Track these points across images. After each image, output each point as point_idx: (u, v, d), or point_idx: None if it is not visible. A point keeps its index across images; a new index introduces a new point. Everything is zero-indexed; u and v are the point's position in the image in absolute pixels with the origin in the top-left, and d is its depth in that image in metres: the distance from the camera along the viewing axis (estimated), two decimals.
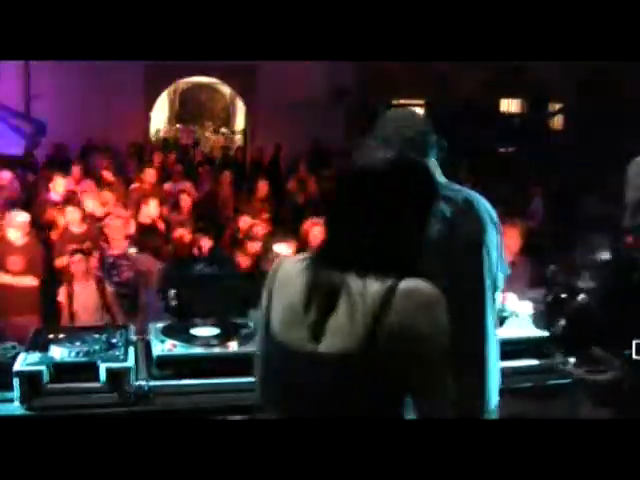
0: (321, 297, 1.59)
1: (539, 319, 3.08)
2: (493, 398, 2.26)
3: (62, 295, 5.43)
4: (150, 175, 8.80)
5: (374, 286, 1.54)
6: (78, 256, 5.44)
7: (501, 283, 2.32)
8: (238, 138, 18.30)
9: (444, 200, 2.19)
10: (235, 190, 9.24)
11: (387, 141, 2.35)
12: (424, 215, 1.68)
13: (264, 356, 1.78)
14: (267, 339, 1.71)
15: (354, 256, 1.58)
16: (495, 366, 2.27)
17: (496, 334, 2.28)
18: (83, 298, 5.39)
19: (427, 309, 1.54)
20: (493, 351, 2.26)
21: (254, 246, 5.95)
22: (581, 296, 3.12)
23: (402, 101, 15.25)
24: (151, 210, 7.19)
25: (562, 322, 3.03)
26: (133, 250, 6.11)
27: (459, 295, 2.03)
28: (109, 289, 5.48)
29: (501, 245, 2.29)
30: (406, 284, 1.54)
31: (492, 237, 2.25)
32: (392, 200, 1.58)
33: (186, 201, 7.65)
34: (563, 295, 3.13)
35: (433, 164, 2.36)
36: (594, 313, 3.05)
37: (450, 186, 2.29)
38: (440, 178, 2.32)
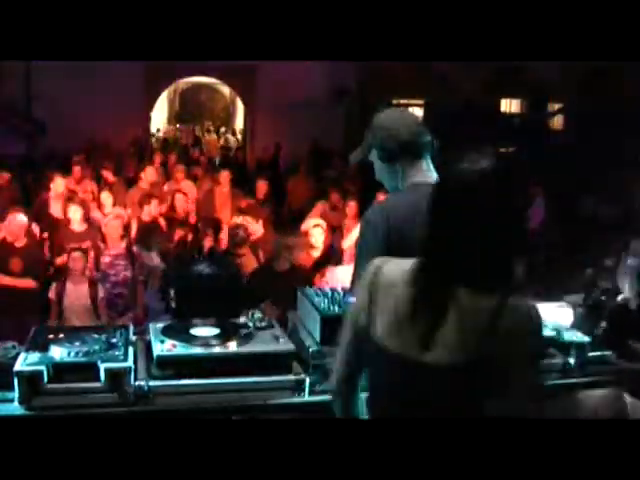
0: (430, 309, 1.62)
1: (581, 322, 3.11)
2: None
3: (52, 292, 5.43)
4: (150, 174, 8.80)
5: (484, 301, 1.58)
6: (77, 253, 5.44)
7: None
8: (238, 138, 18.30)
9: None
10: (235, 190, 9.24)
11: (382, 145, 2.38)
12: (525, 228, 1.73)
13: (359, 353, 1.80)
14: (369, 341, 1.73)
15: (464, 270, 1.61)
16: None
17: None
18: (73, 298, 5.38)
19: (534, 327, 1.62)
20: None
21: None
22: (620, 297, 3.16)
23: (402, 101, 15.26)
24: (152, 209, 7.20)
25: (603, 324, 3.06)
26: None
27: None
28: (101, 294, 5.46)
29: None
30: (515, 301, 1.59)
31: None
32: (502, 213, 1.61)
33: (181, 201, 7.61)
34: (603, 297, 3.16)
35: (427, 164, 2.38)
36: (634, 312, 3.11)
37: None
38: (434, 177, 2.35)
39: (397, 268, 1.73)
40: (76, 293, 5.38)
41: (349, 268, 4.77)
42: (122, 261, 5.90)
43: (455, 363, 1.59)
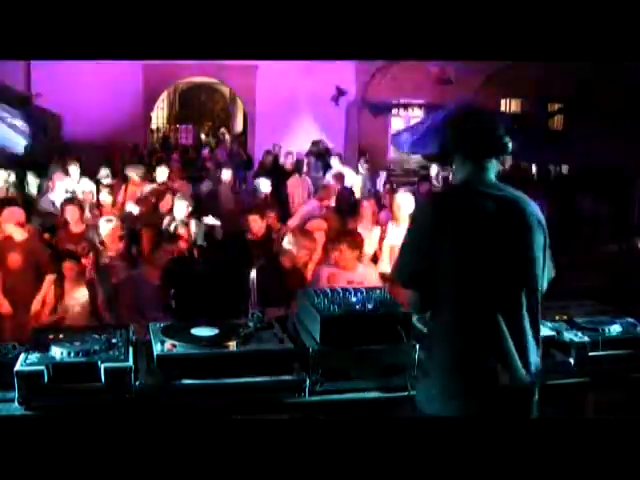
0: None
1: None
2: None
3: (50, 293, 5.34)
4: (162, 173, 8.87)
5: None
6: (68, 263, 5.32)
7: (544, 283, 2.40)
8: (238, 138, 18.30)
9: (492, 199, 2.28)
10: (235, 190, 9.24)
11: (458, 144, 2.38)
12: None
13: None
14: None
15: None
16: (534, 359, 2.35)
17: (536, 332, 2.36)
18: (71, 300, 5.29)
19: None
20: (533, 352, 2.34)
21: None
22: None
23: (402, 101, 15.26)
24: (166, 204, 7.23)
25: None
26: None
27: (501, 289, 2.21)
28: (101, 296, 5.40)
29: (547, 247, 2.38)
30: None
31: (537, 238, 2.33)
32: None
33: (168, 201, 7.48)
34: None
35: (493, 164, 2.39)
36: None
37: (499, 186, 2.36)
38: (493, 178, 2.38)
39: None
40: (73, 295, 5.31)
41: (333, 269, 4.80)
42: (121, 262, 5.88)
43: None
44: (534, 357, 2.33)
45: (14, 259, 5.56)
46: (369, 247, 5.93)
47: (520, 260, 2.30)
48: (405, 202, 5.98)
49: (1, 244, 5.67)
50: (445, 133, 2.45)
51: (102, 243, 6.04)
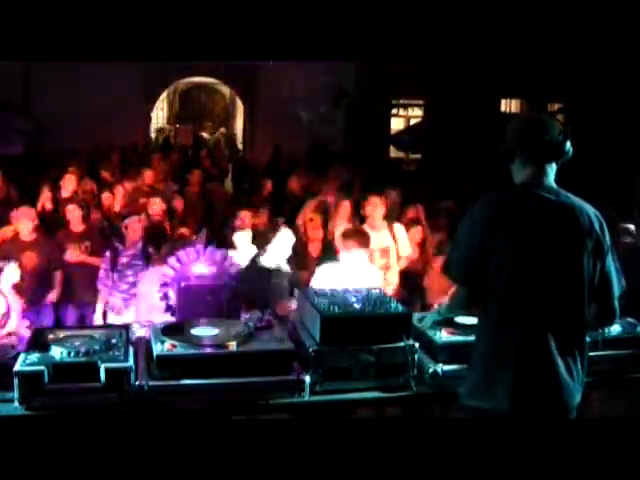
0: None
1: None
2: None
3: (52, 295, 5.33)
4: (148, 176, 8.78)
5: None
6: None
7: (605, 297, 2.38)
8: (238, 138, 18.29)
9: (549, 203, 2.30)
10: (235, 190, 9.24)
11: (520, 147, 2.38)
12: None
13: None
14: None
15: None
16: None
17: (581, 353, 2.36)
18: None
19: None
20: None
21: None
22: None
23: (402, 101, 15.27)
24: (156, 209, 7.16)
25: None
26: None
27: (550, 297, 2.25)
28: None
29: (607, 258, 2.36)
30: None
31: (588, 247, 2.32)
32: None
33: (157, 204, 7.44)
34: None
35: (552, 168, 2.40)
36: None
37: (559, 191, 2.37)
38: (552, 182, 2.39)
39: None
40: None
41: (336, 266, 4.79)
42: (139, 262, 5.87)
43: None
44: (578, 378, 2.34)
45: (28, 258, 5.58)
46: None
47: (569, 270, 2.31)
48: None
49: (14, 243, 5.69)
50: (507, 136, 2.46)
51: (122, 243, 6.02)
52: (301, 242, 5.71)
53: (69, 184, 7.70)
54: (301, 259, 5.57)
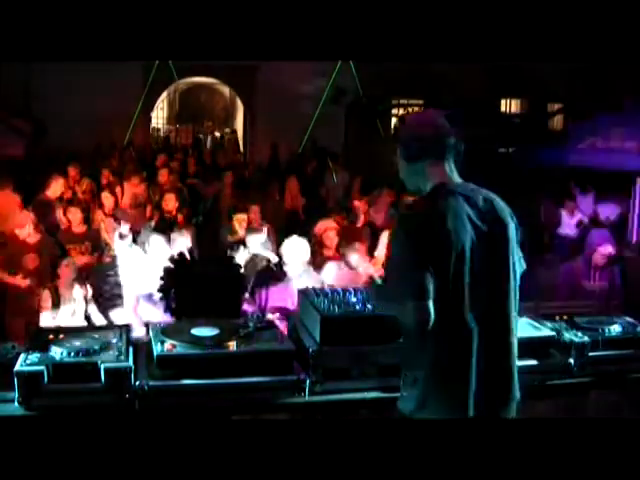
0: None
1: None
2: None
3: (45, 300, 5.25)
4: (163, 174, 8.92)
5: None
6: (67, 260, 5.28)
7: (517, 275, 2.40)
8: (238, 138, 18.29)
9: (464, 199, 2.27)
10: (236, 190, 9.23)
11: (406, 146, 2.37)
12: None
13: None
14: None
15: None
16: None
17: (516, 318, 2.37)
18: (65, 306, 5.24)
19: None
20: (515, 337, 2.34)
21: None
22: None
23: (402, 101, 15.25)
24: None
25: None
26: None
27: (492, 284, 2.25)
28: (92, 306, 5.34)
29: (518, 241, 2.39)
30: None
31: (513, 232, 2.36)
32: None
33: (171, 201, 7.44)
34: None
35: (450, 166, 2.38)
36: None
37: (468, 186, 2.35)
38: (457, 179, 2.37)
39: None
40: (68, 298, 5.26)
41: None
42: None
43: None
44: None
45: (31, 259, 5.58)
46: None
47: (502, 255, 2.31)
48: None
49: (17, 246, 5.69)
50: (404, 137, 2.41)
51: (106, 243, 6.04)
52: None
53: (56, 186, 7.69)
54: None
